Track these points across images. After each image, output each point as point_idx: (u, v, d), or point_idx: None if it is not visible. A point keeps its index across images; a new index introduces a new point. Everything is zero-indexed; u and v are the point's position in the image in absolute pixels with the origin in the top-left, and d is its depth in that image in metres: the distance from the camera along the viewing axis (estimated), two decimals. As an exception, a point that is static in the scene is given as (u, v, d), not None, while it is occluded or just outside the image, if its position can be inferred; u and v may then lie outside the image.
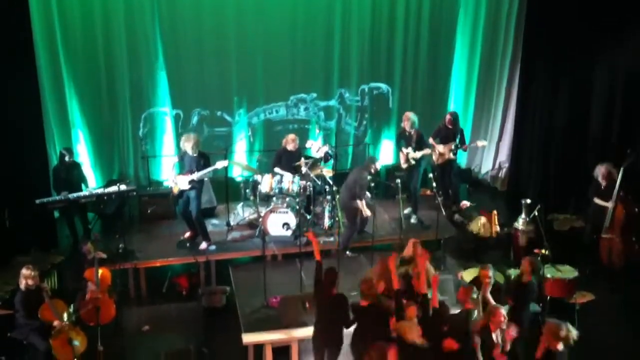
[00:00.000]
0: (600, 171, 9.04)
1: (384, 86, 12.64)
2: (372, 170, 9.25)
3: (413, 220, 10.19)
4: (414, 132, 10.03)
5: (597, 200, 9.10)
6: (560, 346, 5.48)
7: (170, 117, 11.68)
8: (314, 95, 12.34)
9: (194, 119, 11.80)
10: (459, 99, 12.98)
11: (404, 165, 10.30)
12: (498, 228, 9.83)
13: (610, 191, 8.93)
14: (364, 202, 9.12)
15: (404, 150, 10.21)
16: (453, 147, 10.58)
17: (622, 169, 8.81)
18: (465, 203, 10.39)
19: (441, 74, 12.80)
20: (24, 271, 6.98)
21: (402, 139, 10.30)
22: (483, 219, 9.87)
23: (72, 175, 9.41)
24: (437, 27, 12.44)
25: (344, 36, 12.08)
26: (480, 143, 11.24)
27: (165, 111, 11.66)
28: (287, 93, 12.22)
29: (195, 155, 8.95)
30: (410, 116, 10.08)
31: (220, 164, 9.14)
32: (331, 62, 12.21)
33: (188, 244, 9.40)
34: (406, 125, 10.10)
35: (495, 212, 10.00)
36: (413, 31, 12.32)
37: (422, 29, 12.36)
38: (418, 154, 10.04)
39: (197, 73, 11.64)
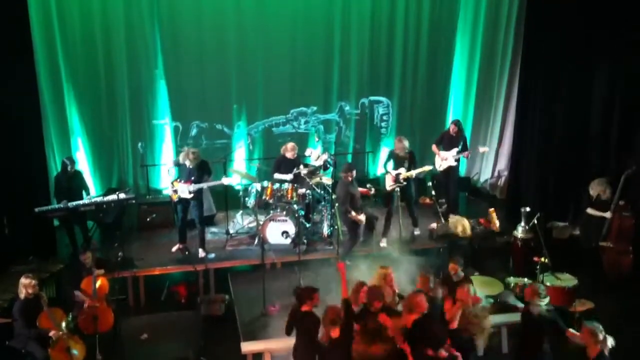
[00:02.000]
0: (591, 186, 9.07)
1: (384, 100, 12.67)
2: (350, 179, 9.07)
3: (417, 232, 10.13)
4: (407, 154, 9.90)
5: (590, 211, 9.09)
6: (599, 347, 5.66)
7: (170, 127, 11.70)
8: (314, 108, 12.37)
9: (193, 131, 11.82)
10: (458, 107, 13.02)
11: (389, 187, 9.94)
12: (498, 223, 9.78)
13: (602, 203, 8.94)
14: (353, 212, 9.00)
15: (393, 171, 9.93)
16: (455, 153, 10.56)
17: (623, 177, 8.79)
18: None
19: (440, 82, 12.86)
20: (24, 280, 6.97)
21: (392, 160, 10.07)
22: (464, 220, 9.79)
23: (73, 184, 9.41)
24: (436, 36, 12.51)
25: (343, 48, 12.16)
26: (481, 149, 11.26)
27: (165, 122, 11.69)
28: (287, 107, 12.26)
29: (192, 167, 8.96)
30: (404, 141, 9.95)
31: (225, 181, 9.18)
32: (331, 75, 12.28)
33: (187, 252, 9.39)
34: (399, 150, 9.91)
35: (491, 209, 9.98)
36: (412, 40, 12.40)
37: (421, 38, 12.45)
38: (413, 172, 9.81)
39: (197, 86, 11.69)
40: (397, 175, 9.84)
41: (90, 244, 9.13)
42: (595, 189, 9.09)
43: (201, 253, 9.34)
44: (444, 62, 12.74)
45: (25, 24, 9.04)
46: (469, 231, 9.56)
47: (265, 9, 11.58)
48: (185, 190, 8.98)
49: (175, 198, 9.14)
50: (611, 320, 8.13)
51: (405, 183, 9.77)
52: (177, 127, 11.69)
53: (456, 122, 10.74)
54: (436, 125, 12.79)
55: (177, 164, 9.19)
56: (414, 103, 12.78)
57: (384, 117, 12.82)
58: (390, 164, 10.04)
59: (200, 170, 9.03)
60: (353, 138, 12.71)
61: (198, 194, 9.10)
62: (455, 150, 10.55)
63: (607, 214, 8.87)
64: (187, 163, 8.92)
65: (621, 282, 8.83)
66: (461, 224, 9.60)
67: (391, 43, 12.35)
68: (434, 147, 10.80)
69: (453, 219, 9.77)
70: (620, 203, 8.84)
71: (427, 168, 10.08)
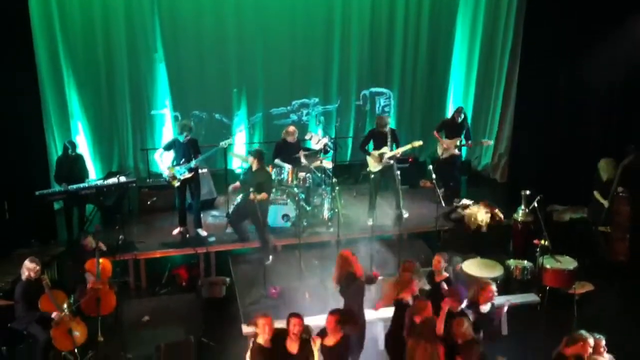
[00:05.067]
0: (601, 165, 9.03)
1: (386, 91, 12.65)
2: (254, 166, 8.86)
3: (406, 214, 10.02)
4: (388, 130, 9.69)
5: (596, 194, 9.11)
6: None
7: (171, 117, 11.66)
8: (316, 100, 12.35)
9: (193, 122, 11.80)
10: (458, 92, 12.99)
11: (375, 169, 9.82)
12: (502, 215, 9.75)
13: (606, 188, 8.94)
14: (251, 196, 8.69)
15: (376, 152, 9.75)
16: (458, 143, 10.56)
17: (621, 166, 8.79)
18: (466, 202, 10.39)
19: (440, 70, 12.83)
20: (28, 264, 6.98)
21: (373, 139, 9.87)
22: (483, 211, 9.80)
23: (75, 167, 9.41)
24: (436, 24, 12.49)
25: (343, 39, 12.14)
26: (485, 142, 11.32)
27: (165, 110, 11.68)
28: (288, 98, 12.24)
29: (186, 142, 8.96)
30: (385, 118, 9.87)
31: (223, 143, 9.23)
32: (331, 67, 12.26)
33: (187, 235, 9.41)
34: (382, 128, 9.70)
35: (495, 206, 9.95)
36: (412, 29, 12.38)
37: (421, 27, 12.43)
38: (400, 150, 9.67)
39: (197, 73, 11.65)
40: (381, 154, 9.76)
41: (90, 227, 9.17)
42: (607, 170, 9.04)
43: (201, 232, 9.37)
44: (444, 49, 12.70)
45: (25, 8, 8.97)
46: (483, 224, 9.60)
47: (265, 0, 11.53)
48: (184, 171, 8.97)
49: (175, 184, 9.10)
50: (611, 303, 8.25)
51: (391, 162, 9.73)
52: (176, 117, 11.63)
53: (460, 110, 10.69)
54: (437, 113, 12.78)
55: (169, 147, 9.14)
56: (414, 92, 12.76)
57: (385, 109, 12.80)
58: (371, 145, 9.93)
59: (194, 147, 9.05)
60: (353, 125, 12.68)
61: (196, 172, 9.12)
62: (457, 140, 10.55)
63: (605, 203, 8.89)
64: (182, 137, 8.90)
65: (619, 266, 8.87)
66: (477, 217, 9.63)
67: (391, 33, 12.31)
68: (435, 134, 10.78)
69: (472, 209, 9.82)
70: (618, 190, 8.86)
71: (417, 144, 9.80)
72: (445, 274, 6.94)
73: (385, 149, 9.72)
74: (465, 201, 10.35)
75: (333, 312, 5.82)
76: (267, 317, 5.72)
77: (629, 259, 8.98)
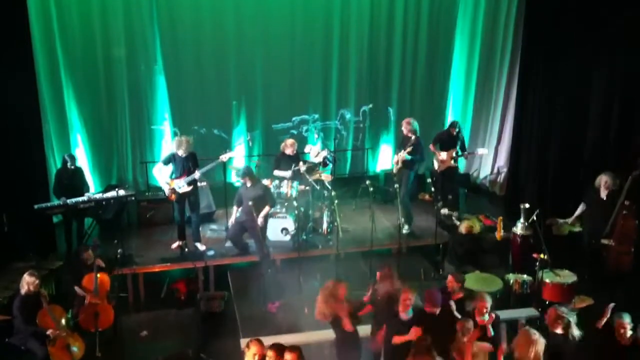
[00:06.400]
0: (602, 180, 8.94)
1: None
2: (246, 183, 9.01)
3: (405, 230, 10.00)
4: (414, 139, 9.88)
5: (595, 211, 9.04)
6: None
7: (171, 132, 11.66)
8: (316, 116, 12.39)
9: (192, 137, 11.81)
10: (457, 105, 13.00)
11: (395, 170, 10.17)
12: (503, 232, 9.74)
13: (609, 200, 8.88)
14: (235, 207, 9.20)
15: (398, 153, 10.09)
16: (454, 154, 10.57)
17: (630, 177, 8.74)
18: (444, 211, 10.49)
19: (439, 81, 12.85)
20: (28, 278, 6.96)
21: (402, 142, 10.18)
22: (473, 219, 9.81)
23: (74, 180, 9.40)
24: (434, 39, 12.51)
25: (342, 54, 12.15)
26: (480, 151, 11.29)
27: (164, 125, 11.69)
28: (288, 115, 12.24)
29: (185, 155, 8.97)
30: (411, 122, 9.96)
31: (224, 157, 9.23)
32: (330, 84, 12.29)
33: (186, 249, 9.39)
34: (405, 130, 9.96)
35: (500, 217, 9.93)
36: (411, 43, 12.41)
37: (419, 42, 12.45)
38: (403, 154, 9.84)
39: (197, 86, 11.63)
40: (399, 156, 9.92)
41: (89, 241, 9.15)
42: (609, 185, 8.95)
43: (200, 246, 9.36)
44: (443, 63, 12.73)
45: (24, 20, 9.01)
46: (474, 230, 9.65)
47: (264, 15, 11.56)
48: (183, 185, 8.97)
49: (173, 198, 9.09)
50: (611, 317, 8.17)
51: (400, 165, 9.78)
52: (176, 132, 11.62)
53: (455, 124, 10.73)
54: (435, 128, 12.75)
55: (168, 161, 9.14)
56: (413, 105, 12.76)
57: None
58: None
59: (192, 161, 9.06)
60: (352, 137, 12.70)
61: (195, 186, 9.12)
62: (453, 151, 10.57)
63: (610, 220, 8.81)
64: (181, 152, 8.91)
65: (620, 279, 8.82)
66: (470, 224, 9.69)
67: (390, 47, 12.33)
68: (431, 147, 10.80)
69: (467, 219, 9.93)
70: (625, 203, 8.80)
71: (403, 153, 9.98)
72: (460, 294, 6.87)
73: (402, 153, 9.88)
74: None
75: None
76: (260, 345, 5.68)
77: (632, 272, 8.92)
